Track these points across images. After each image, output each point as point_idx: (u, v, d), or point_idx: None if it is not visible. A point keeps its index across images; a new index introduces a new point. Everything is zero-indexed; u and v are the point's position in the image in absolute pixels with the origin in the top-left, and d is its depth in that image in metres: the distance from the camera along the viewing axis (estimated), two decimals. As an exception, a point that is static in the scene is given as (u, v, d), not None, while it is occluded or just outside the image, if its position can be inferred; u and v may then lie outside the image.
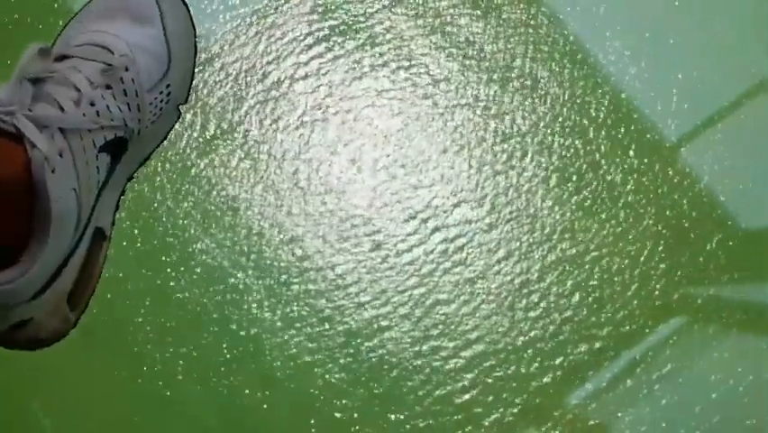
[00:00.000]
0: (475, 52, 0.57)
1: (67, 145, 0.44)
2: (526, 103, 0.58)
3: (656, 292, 0.58)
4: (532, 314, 0.59)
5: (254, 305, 0.57)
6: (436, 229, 0.57)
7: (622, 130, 0.60)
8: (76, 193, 0.45)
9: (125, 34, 0.50)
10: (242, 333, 0.57)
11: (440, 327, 0.57)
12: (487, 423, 0.55)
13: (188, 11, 0.54)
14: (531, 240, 0.59)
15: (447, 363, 0.57)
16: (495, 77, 0.58)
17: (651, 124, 0.60)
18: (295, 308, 0.57)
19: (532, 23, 0.59)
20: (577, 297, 0.59)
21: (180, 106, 0.56)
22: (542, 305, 0.59)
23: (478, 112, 0.56)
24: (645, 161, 0.59)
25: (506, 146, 0.58)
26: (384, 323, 0.57)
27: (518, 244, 0.59)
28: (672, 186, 0.59)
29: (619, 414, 0.58)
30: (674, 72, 0.60)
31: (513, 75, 0.59)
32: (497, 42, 0.57)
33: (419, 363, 0.56)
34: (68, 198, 0.44)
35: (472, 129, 0.57)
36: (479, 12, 0.58)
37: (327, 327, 0.57)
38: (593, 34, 0.60)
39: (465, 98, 0.57)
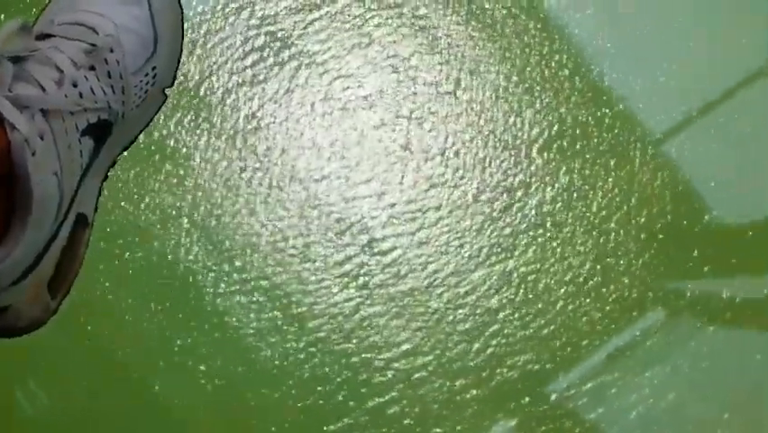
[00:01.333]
0: (413, 68, 0.57)
1: (48, 127, 0.42)
2: (476, 107, 0.57)
3: (634, 286, 0.59)
4: (466, 326, 0.58)
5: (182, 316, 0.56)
6: (371, 241, 0.56)
7: (603, 122, 0.60)
8: (57, 177, 0.44)
9: (111, 14, 0.48)
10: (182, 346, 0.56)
11: (372, 339, 0.56)
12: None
13: (176, -9, 0.53)
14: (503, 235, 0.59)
15: (378, 375, 0.56)
16: (440, 89, 0.57)
17: (634, 117, 0.60)
18: (226, 320, 0.56)
19: (498, 21, 0.59)
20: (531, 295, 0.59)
21: (166, 90, 0.54)
22: (507, 313, 0.59)
23: (415, 124, 0.55)
24: (628, 155, 0.59)
25: (451, 159, 0.57)
26: (318, 335, 0.56)
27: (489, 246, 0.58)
28: (653, 179, 0.59)
29: (597, 408, 0.58)
30: (658, 66, 0.60)
31: (462, 82, 0.58)
32: (438, 54, 0.57)
33: (350, 374, 0.56)
34: (50, 182, 0.43)
35: (409, 142, 0.57)
36: (419, 26, 0.58)
37: (258, 339, 0.56)
38: (580, 33, 0.60)
39: (403, 111, 0.57)
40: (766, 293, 0.59)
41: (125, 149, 0.54)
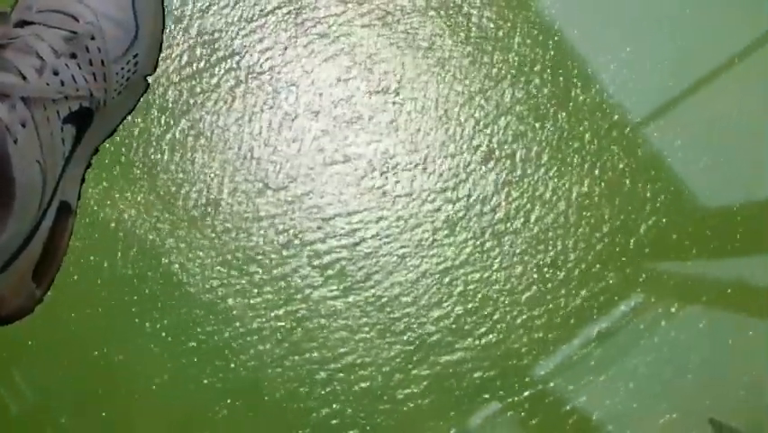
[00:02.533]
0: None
1: (29, 115, 0.42)
2: (440, 89, 0.58)
3: (617, 269, 0.59)
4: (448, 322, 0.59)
5: (137, 319, 0.56)
6: (313, 254, 0.57)
7: (587, 108, 0.60)
8: (40, 165, 0.44)
9: (91, 1, 0.48)
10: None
11: (313, 343, 0.57)
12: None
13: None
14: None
15: (320, 388, 0.57)
16: (417, 95, 0.58)
17: (617, 101, 0.60)
18: (166, 322, 0.56)
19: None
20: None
21: (148, 77, 0.54)
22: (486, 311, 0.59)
23: (363, 127, 0.56)
24: (611, 137, 0.60)
25: (395, 170, 0.58)
26: (260, 348, 0.57)
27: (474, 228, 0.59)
28: (637, 162, 0.60)
29: (580, 393, 0.59)
30: (642, 48, 0.60)
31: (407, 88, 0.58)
32: (384, 62, 0.57)
33: (292, 374, 0.57)
34: (33, 170, 0.43)
35: (351, 152, 0.57)
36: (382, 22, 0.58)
37: (202, 353, 0.56)
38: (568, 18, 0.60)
39: (350, 115, 0.57)
40: (750, 275, 0.59)
41: (108, 136, 0.54)
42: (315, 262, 0.57)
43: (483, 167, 0.58)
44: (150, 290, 0.57)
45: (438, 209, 0.58)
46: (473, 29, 0.59)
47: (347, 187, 0.57)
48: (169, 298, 0.57)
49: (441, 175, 0.58)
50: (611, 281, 0.60)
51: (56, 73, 0.44)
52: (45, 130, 0.44)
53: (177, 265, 0.57)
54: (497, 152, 0.59)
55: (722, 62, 0.60)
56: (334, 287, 0.57)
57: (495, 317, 0.60)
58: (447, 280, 0.59)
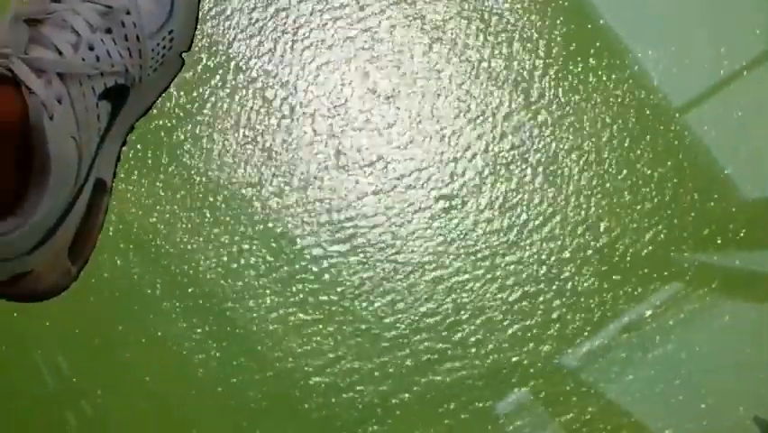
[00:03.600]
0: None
1: (65, 91, 0.42)
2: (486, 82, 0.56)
3: (651, 258, 0.57)
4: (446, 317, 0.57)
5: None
6: (303, 248, 0.56)
7: (624, 91, 0.58)
8: (75, 141, 0.43)
9: (126, -24, 0.47)
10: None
11: (306, 347, 0.56)
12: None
13: (192, -48, 0.52)
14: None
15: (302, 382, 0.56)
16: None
17: (655, 87, 0.58)
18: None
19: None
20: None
21: (183, 54, 0.53)
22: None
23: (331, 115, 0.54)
24: (648, 125, 0.57)
25: (388, 165, 0.56)
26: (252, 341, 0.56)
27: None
28: (674, 151, 0.57)
29: (612, 378, 0.58)
30: (682, 35, 0.58)
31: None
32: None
33: (273, 372, 0.56)
34: (68, 146, 0.42)
35: (344, 149, 0.56)
36: None
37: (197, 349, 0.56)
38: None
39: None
40: None
41: (143, 114, 0.53)
42: (312, 267, 0.56)
43: (512, 153, 0.57)
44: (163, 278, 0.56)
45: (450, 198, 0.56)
46: (499, 17, 0.57)
47: (345, 192, 0.56)
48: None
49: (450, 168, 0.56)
50: (648, 271, 0.58)
51: (91, 48, 0.44)
52: (81, 106, 0.43)
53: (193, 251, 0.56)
54: (527, 143, 0.57)
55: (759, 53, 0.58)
56: (330, 289, 0.57)
57: (522, 303, 0.58)
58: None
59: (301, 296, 0.56)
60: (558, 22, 0.58)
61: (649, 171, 0.58)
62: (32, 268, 0.46)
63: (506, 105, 0.58)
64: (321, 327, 0.57)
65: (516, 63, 0.58)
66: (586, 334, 0.58)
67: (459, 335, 0.57)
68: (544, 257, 0.58)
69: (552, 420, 0.57)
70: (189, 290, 0.57)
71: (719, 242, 0.57)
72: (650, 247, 0.58)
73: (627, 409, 0.58)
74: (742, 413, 0.57)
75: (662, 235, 0.58)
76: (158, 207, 0.56)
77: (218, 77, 0.56)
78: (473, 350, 0.57)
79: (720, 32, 0.58)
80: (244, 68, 0.57)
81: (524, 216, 0.58)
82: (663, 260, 0.58)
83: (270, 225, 0.54)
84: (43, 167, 0.41)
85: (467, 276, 0.57)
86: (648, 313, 0.58)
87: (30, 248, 0.44)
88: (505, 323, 0.58)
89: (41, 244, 0.45)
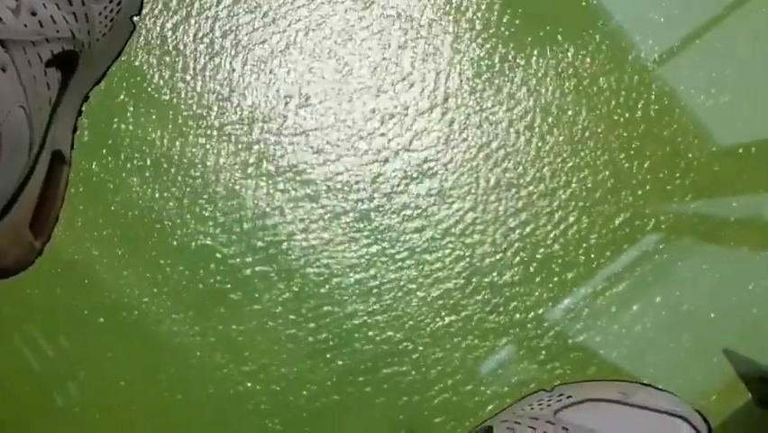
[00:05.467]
0: None
1: (9, 59, 0.41)
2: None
3: (629, 209, 0.58)
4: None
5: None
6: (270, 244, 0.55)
7: (601, 46, 0.57)
8: (25, 111, 0.42)
9: (66, -63, 0.46)
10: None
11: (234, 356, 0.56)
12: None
13: None
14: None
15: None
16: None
17: (628, 38, 0.57)
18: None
19: None
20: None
21: (134, 18, 0.52)
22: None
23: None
24: (624, 77, 0.57)
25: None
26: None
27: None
28: (648, 102, 0.57)
29: (598, 327, 0.58)
30: None
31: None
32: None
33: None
34: (17, 115, 0.41)
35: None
36: None
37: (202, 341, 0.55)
38: None
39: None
40: (762, 214, 0.58)
41: (97, 82, 0.52)
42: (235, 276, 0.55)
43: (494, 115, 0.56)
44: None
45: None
46: None
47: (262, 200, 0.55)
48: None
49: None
50: (627, 221, 0.58)
51: (33, 13, 0.42)
52: (27, 74, 0.42)
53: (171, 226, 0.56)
54: (500, 95, 0.56)
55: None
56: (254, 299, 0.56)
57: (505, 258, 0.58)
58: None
59: (223, 309, 0.56)
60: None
61: (622, 122, 0.58)
62: (-8, 244, 0.45)
63: (442, 83, 0.57)
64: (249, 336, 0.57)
65: (460, 40, 0.57)
66: (569, 288, 0.58)
67: (391, 336, 0.57)
68: (514, 214, 0.58)
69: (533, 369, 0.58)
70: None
71: (694, 191, 0.57)
72: (627, 200, 0.58)
73: (607, 357, 0.58)
74: (720, 359, 0.58)
75: (637, 188, 0.58)
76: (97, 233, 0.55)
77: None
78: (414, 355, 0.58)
79: None
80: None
81: (492, 180, 0.58)
82: (640, 212, 0.58)
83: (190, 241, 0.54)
84: (-10, 136, 0.40)
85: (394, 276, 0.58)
86: (627, 265, 0.58)
87: (-14, 223, 0.43)
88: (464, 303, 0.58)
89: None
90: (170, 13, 0.55)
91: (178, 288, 0.56)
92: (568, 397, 0.48)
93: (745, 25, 0.57)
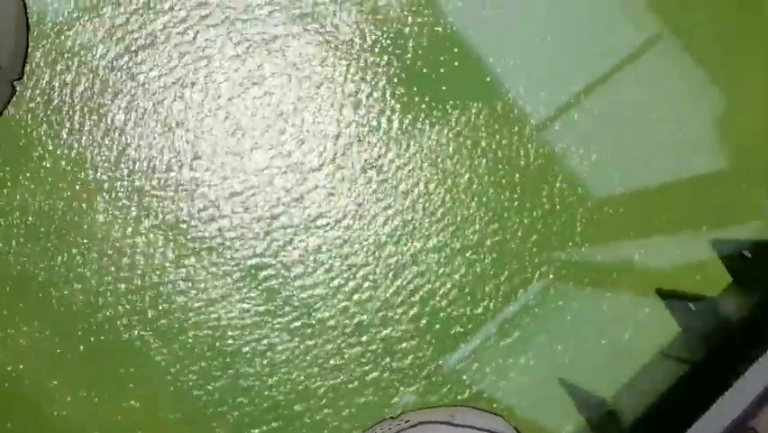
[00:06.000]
0: None
1: None
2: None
3: (514, 261, 0.59)
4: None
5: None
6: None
7: (482, 108, 0.60)
8: None
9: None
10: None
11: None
12: None
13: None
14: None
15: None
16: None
17: (512, 101, 0.60)
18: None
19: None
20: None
21: (15, 82, 0.53)
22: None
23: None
24: (508, 140, 0.60)
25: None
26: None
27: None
28: (529, 160, 0.60)
29: (487, 372, 0.59)
30: (534, 53, 0.61)
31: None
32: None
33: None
34: None
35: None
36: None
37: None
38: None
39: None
40: (636, 258, 0.60)
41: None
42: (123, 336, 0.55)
43: (367, 172, 0.58)
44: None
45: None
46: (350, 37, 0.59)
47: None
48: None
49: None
50: (513, 273, 0.59)
51: None
52: None
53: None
54: (389, 154, 0.58)
55: (611, 66, 0.61)
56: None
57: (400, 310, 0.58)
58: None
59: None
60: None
61: (506, 182, 0.60)
62: None
63: (345, 129, 0.59)
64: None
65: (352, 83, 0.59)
66: (460, 340, 0.58)
67: (281, 400, 0.57)
68: (411, 262, 0.59)
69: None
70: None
71: (574, 241, 0.59)
72: (512, 252, 0.60)
73: (502, 401, 0.59)
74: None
75: (522, 241, 0.60)
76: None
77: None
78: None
79: (569, 50, 0.61)
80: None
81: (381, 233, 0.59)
82: (525, 264, 0.60)
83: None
84: None
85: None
86: (519, 309, 0.60)
87: None
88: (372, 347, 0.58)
89: None
90: (54, 73, 0.56)
91: (55, 351, 0.55)
92: (406, 421, 0.51)
93: (614, 93, 0.60)
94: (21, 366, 0.55)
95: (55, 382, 0.55)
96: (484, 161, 0.60)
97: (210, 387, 0.56)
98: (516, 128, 0.60)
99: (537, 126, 0.60)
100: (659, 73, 0.61)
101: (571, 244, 0.60)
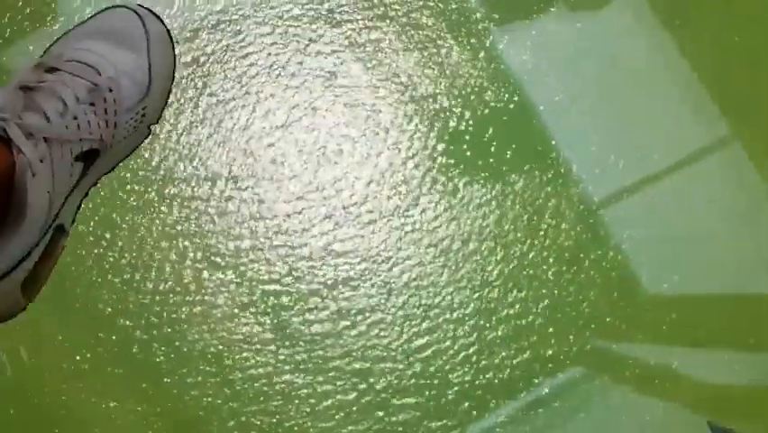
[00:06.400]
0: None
1: (48, 153, 0.49)
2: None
3: (560, 342, 0.61)
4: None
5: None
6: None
7: (553, 187, 0.62)
8: (49, 196, 0.51)
9: (114, 58, 0.56)
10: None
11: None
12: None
13: (173, 45, 0.61)
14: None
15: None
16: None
17: (572, 179, 0.61)
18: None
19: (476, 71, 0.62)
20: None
21: (151, 126, 0.62)
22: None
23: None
24: (570, 217, 0.61)
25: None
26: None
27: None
28: (592, 245, 0.61)
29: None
30: (609, 133, 0.62)
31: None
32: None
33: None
34: (43, 201, 0.50)
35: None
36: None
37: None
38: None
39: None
40: (679, 367, 0.61)
41: (108, 172, 0.61)
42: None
43: (434, 249, 0.64)
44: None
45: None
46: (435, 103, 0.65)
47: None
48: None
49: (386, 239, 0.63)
50: (554, 353, 0.61)
51: (75, 118, 0.52)
52: (59, 165, 0.51)
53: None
54: (421, 207, 0.59)
55: (681, 158, 0.62)
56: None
57: (433, 372, 0.63)
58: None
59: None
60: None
61: (558, 263, 0.61)
62: (-12, 297, 0.52)
63: (413, 190, 0.64)
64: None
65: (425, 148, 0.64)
66: (494, 407, 0.60)
67: None
68: (462, 338, 0.63)
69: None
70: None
71: (615, 333, 0.60)
72: (555, 331, 0.60)
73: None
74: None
75: (569, 321, 0.60)
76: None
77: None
78: None
79: (638, 142, 0.62)
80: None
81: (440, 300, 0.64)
82: (569, 344, 0.61)
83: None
84: (19, 217, 0.48)
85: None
86: (550, 392, 0.62)
87: (-11, 281, 0.50)
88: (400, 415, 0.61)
89: (4, 277, 0.51)
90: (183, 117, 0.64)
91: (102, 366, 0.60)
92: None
93: (689, 185, 0.62)
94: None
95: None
96: (529, 232, 0.60)
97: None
98: (569, 205, 0.60)
99: (594, 207, 0.59)
100: (721, 178, 0.60)
101: (616, 335, 0.60)
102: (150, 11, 0.59)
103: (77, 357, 0.59)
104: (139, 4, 0.59)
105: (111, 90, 0.54)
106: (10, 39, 0.59)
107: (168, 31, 0.59)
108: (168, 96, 0.62)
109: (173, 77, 0.62)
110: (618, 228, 0.62)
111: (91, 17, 0.59)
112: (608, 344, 0.61)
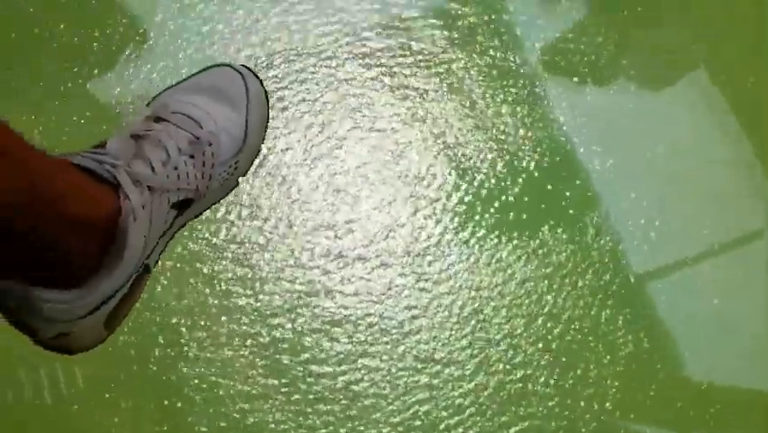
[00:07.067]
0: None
1: (150, 200, 0.52)
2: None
3: (597, 418, 0.59)
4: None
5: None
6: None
7: (596, 254, 0.60)
8: (145, 239, 0.53)
9: (215, 113, 0.59)
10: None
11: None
12: None
13: (268, 104, 0.64)
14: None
15: None
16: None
17: (612, 246, 0.58)
18: None
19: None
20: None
21: (240, 177, 0.65)
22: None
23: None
24: (613, 292, 0.58)
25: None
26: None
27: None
28: (623, 312, 0.58)
29: None
30: (652, 208, 0.60)
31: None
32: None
33: None
34: (139, 244, 0.52)
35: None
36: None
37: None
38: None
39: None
40: None
41: (195, 217, 0.64)
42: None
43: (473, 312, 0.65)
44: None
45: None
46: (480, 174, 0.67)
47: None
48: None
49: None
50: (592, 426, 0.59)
51: (176, 168, 0.55)
52: (157, 212, 0.54)
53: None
54: (437, 263, 0.58)
55: (734, 238, 0.59)
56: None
57: None
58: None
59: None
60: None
61: (590, 326, 0.58)
62: (74, 330, 0.54)
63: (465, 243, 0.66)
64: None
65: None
66: None
67: None
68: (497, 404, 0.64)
69: None
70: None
71: (649, 417, 0.57)
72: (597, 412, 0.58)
73: None
74: None
75: (604, 402, 0.58)
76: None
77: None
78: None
79: (690, 215, 0.59)
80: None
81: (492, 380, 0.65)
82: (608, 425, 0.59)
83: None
84: (117, 259, 0.51)
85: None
86: None
87: (80, 316, 0.53)
88: None
89: (89, 314, 0.54)
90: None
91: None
92: None
93: (737, 266, 0.59)
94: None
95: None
96: (574, 296, 0.58)
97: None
98: (607, 274, 0.57)
99: (635, 279, 0.56)
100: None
101: (650, 419, 0.56)
102: (251, 70, 0.62)
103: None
104: (242, 65, 0.62)
105: (210, 144, 0.57)
106: (103, 68, 0.62)
107: (265, 91, 0.63)
108: (258, 152, 0.65)
109: (264, 135, 0.65)
110: (660, 304, 0.58)
111: (197, 72, 0.62)
112: (643, 427, 0.58)
